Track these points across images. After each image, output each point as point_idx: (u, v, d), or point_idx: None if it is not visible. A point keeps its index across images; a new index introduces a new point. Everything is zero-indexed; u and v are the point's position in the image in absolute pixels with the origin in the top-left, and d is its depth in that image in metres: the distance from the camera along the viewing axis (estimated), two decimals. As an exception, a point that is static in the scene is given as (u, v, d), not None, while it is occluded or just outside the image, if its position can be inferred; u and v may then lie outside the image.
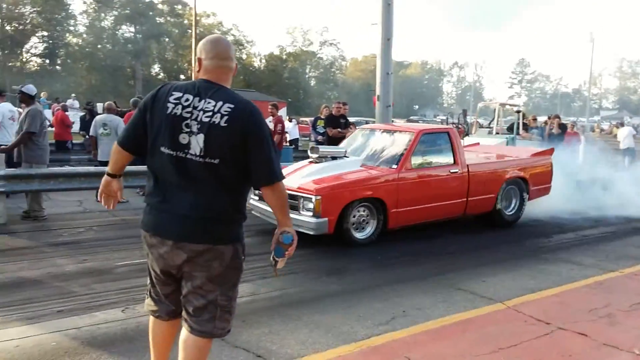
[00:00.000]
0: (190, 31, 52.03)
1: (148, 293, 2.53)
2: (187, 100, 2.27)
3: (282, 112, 29.60)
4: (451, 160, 6.62)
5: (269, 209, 5.38)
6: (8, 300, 4.01)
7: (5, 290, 4.22)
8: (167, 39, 54.17)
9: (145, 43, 50.38)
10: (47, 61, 51.19)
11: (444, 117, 20.03)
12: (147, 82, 51.44)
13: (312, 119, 12.41)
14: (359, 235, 5.93)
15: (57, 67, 51.17)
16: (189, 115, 2.25)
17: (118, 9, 50.77)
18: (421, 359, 3.18)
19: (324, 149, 7.00)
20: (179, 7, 53.97)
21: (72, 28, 51.46)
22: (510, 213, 7.30)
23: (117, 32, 52.55)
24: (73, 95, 25.37)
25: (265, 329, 3.55)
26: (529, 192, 7.38)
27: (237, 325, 3.46)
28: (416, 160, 6.39)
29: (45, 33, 49.47)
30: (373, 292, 4.39)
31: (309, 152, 6.87)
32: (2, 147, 7.13)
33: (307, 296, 4.29)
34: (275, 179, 2.30)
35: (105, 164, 7.83)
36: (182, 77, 54.49)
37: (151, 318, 2.54)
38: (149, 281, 2.52)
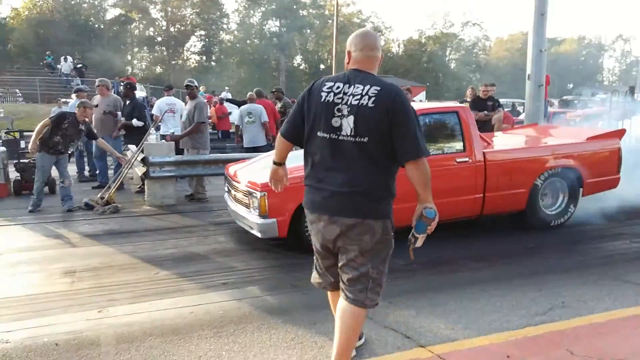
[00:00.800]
0: (330, 21, 53.51)
1: (314, 267, 2.84)
2: (338, 87, 2.53)
3: (421, 96, 28.92)
4: (460, 147, 5.24)
5: (238, 210, 5.17)
6: (182, 271, 4.51)
7: (180, 263, 4.75)
8: (308, 31, 55.88)
9: (289, 36, 52.47)
10: (204, 58, 55.76)
11: (605, 95, 17.94)
12: (290, 73, 53.67)
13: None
14: None
15: (212, 63, 55.47)
16: (340, 100, 2.50)
17: (265, 5, 53.46)
18: (585, 354, 2.96)
19: None
20: (320, -2, 55.33)
21: (225, 26, 55.36)
22: (554, 212, 5.84)
23: (264, 27, 55.41)
24: (226, 87, 27.35)
25: (412, 311, 3.56)
26: (583, 185, 5.91)
27: (384, 306, 3.53)
28: None
29: (202, 32, 53.87)
30: (526, 281, 4.17)
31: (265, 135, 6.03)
32: (173, 135, 7.96)
33: (454, 282, 4.20)
34: (420, 155, 2.43)
35: (249, 150, 8.42)
36: (322, 66, 55.94)
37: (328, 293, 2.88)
38: (314, 258, 2.80)
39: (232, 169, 5.77)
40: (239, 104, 11.98)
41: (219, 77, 49.43)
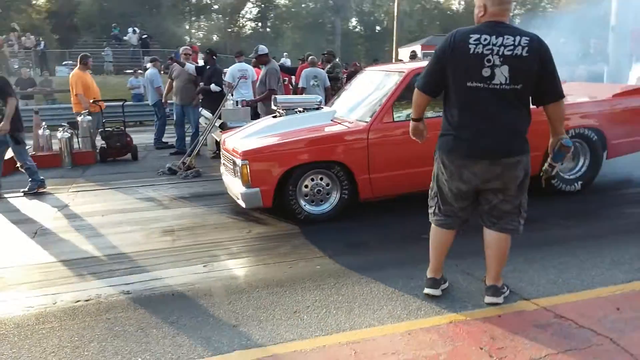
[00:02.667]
0: (386, -21, 52.00)
1: (435, 210, 3.14)
2: (485, 40, 2.72)
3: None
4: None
5: (226, 180, 5.16)
6: (271, 231, 4.70)
7: (269, 223, 4.94)
8: (364, -10, 54.56)
9: (345, -3, 51.49)
10: (259, 24, 55.77)
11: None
12: (345, 36, 52.82)
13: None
14: (312, 209, 4.76)
15: (267, 29, 55.42)
16: (489, 52, 2.71)
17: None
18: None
19: (286, 99, 5.77)
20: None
21: (280, -10, 54.87)
22: (573, 176, 5.32)
23: (319, -12, 54.55)
24: (285, 53, 27.37)
25: (509, 266, 3.54)
26: (607, 147, 5.36)
27: (479, 261, 3.56)
28: (402, 111, 4.79)
29: (259, -3, 53.72)
30: (623, 238, 4.07)
31: (272, 104, 5.61)
32: (249, 100, 8.14)
33: (547, 239, 4.16)
34: (562, 96, 2.84)
35: None
36: (377, 28, 54.75)
37: (436, 229, 3.14)
38: (434, 202, 3.14)
39: (223, 136, 5.66)
40: (291, 71, 12.01)
41: (274, 43, 49.39)
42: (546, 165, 2.97)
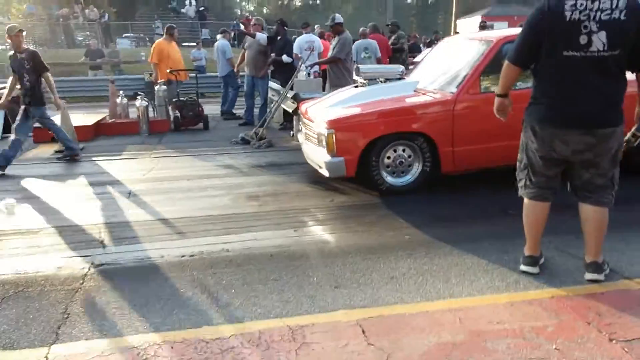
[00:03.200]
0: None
1: (526, 182, 3.14)
2: (581, 4, 2.67)
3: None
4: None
5: (308, 149, 5.14)
6: (353, 200, 4.81)
7: (349, 193, 5.06)
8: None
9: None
10: (310, -6, 55.33)
11: None
12: (397, 8, 51.69)
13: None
14: (393, 180, 4.78)
15: (317, 1, 54.89)
16: (585, 17, 2.66)
17: None
18: None
19: (369, 69, 5.67)
20: None
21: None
22: None
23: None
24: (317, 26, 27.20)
25: (606, 245, 3.50)
26: None
27: (573, 239, 3.57)
28: (490, 80, 4.67)
29: (309, -31, 53.18)
30: None
31: (353, 73, 5.50)
32: (316, 72, 8.22)
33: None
34: None
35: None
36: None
37: (530, 204, 3.14)
38: (525, 174, 3.11)
39: (304, 106, 5.70)
40: None
41: (324, 15, 48.96)
42: (629, 134, 2.94)
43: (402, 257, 3.52)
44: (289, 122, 8.73)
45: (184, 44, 25.00)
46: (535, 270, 3.18)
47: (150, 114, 8.90)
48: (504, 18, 18.12)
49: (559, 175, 3.08)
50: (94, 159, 6.80)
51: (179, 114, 8.92)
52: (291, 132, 8.07)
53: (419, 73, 5.64)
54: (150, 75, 15.21)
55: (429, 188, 4.90)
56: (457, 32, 16.44)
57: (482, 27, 11.29)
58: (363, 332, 2.64)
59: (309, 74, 8.28)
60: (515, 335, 2.57)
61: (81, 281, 3.29)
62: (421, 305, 2.89)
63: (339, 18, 7.86)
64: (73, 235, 4.10)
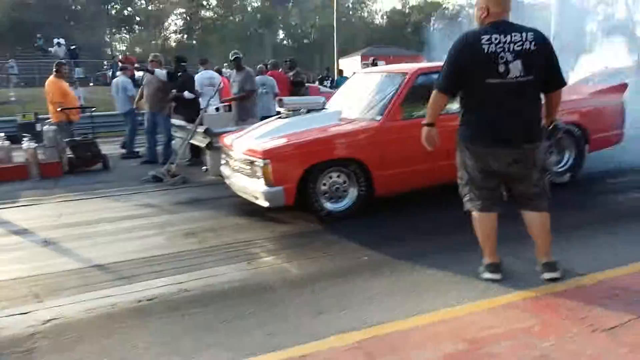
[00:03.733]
0: (311, -6, 53.02)
1: (472, 197, 3.34)
2: (495, 38, 3.00)
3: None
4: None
5: (239, 182, 5.17)
6: (297, 229, 4.76)
7: (289, 223, 4.99)
8: (290, 4, 55.13)
9: (273, 11, 51.86)
10: (185, 36, 54.79)
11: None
12: (276, 48, 53.06)
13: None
14: (332, 206, 4.87)
15: (194, 41, 54.53)
16: (501, 49, 2.99)
17: (246, -21, 52.54)
18: None
19: (293, 100, 5.87)
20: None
21: (204, 2, 54.18)
22: (560, 169, 5.65)
23: (244, 2, 54.52)
24: (225, 64, 27.20)
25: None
26: (589, 141, 5.69)
27: (519, 245, 3.85)
28: (410, 109, 5.01)
29: (182, 10, 52.78)
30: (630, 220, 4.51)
31: (276, 105, 5.70)
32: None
33: (564, 224, 4.49)
34: (564, 83, 3.20)
35: (263, 119, 8.52)
36: (305, 40, 55.54)
37: (480, 215, 3.33)
38: (467, 189, 3.33)
39: (227, 139, 5.66)
40: None
41: (201, 55, 48.73)
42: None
43: (369, 278, 3.54)
44: (197, 157, 8.47)
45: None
46: (498, 276, 3.37)
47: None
48: (381, 57, 19.50)
49: (500, 186, 3.33)
50: (-9, 208, 6.01)
51: (73, 155, 8.22)
52: (203, 167, 7.83)
53: (337, 103, 5.80)
54: (24, 116, 14.08)
55: (364, 212, 4.99)
56: (341, 70, 17.19)
57: (374, 63, 12.00)
58: (367, 353, 2.60)
59: (217, 109, 8.13)
60: (509, 337, 2.69)
61: (33, 341, 2.88)
62: (411, 321, 2.92)
63: (239, 53, 7.93)
64: (1, 293, 3.57)
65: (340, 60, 24.16)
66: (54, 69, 8.79)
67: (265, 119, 8.41)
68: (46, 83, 8.76)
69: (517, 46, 2.99)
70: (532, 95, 3.12)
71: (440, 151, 3.56)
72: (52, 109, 8.56)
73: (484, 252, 3.42)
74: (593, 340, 2.62)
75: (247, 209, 5.35)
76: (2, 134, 8.49)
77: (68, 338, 2.90)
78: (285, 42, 57.73)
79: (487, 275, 3.38)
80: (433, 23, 56.77)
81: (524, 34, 3.00)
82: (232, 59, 8.03)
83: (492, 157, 3.17)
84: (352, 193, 4.94)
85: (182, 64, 8.77)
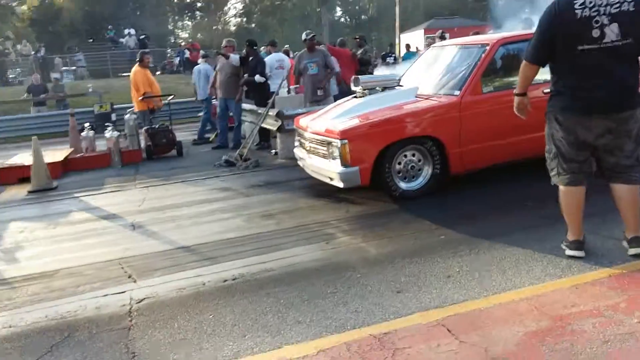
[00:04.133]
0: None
1: (559, 170, 3.26)
2: (590, 2, 2.90)
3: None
4: (548, 77, 4.07)
5: (315, 162, 5.20)
6: (367, 210, 4.82)
7: (358, 202, 5.06)
8: (347, -19, 54.32)
9: (329, -13, 51.35)
10: (244, 20, 55.39)
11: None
12: (333, 26, 52.60)
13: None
14: (406, 185, 4.85)
15: (253, 24, 55.03)
16: (596, 13, 2.89)
17: (302, -42, 52.09)
18: None
19: (368, 78, 5.74)
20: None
21: (262, -16, 54.34)
22: None
23: (301, -19, 54.23)
24: (286, 45, 27.46)
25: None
26: None
27: (604, 221, 3.73)
28: (490, 82, 4.92)
29: (241, -7, 53.29)
30: None
31: (351, 84, 5.59)
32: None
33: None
34: None
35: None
36: (363, 17, 54.69)
37: (567, 190, 3.24)
38: (556, 163, 3.24)
39: (302, 121, 5.69)
40: None
41: (261, 37, 49.16)
42: None
43: (447, 256, 3.56)
44: (265, 141, 8.68)
45: (124, 74, 24.53)
46: (582, 254, 3.30)
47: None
48: (446, 30, 18.91)
49: (590, 159, 3.22)
50: (76, 195, 6.46)
51: (150, 143, 8.64)
52: (272, 151, 8.03)
53: (412, 80, 5.73)
54: (101, 107, 14.87)
55: (437, 191, 4.97)
56: (408, 45, 16.88)
57: (442, 37, 11.72)
58: (449, 330, 2.64)
59: (289, 91, 8.26)
60: (594, 315, 2.65)
61: (129, 318, 3.11)
62: (492, 298, 2.92)
63: (313, 32, 7.99)
64: (95, 274, 3.87)
65: (401, 35, 23.68)
66: (137, 59, 9.19)
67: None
68: (132, 73, 9.16)
69: (614, 8, 2.87)
70: (628, 60, 2.99)
71: (518, 126, 3.53)
72: (137, 97, 8.97)
73: (570, 228, 3.35)
74: (684, 317, 2.53)
75: (320, 190, 5.47)
76: (88, 124, 9.02)
77: (163, 315, 3.11)
78: (342, 19, 57.13)
79: (571, 252, 3.32)
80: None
81: None
82: (308, 37, 8.07)
83: (583, 128, 3.08)
84: (427, 172, 4.94)
85: (254, 47, 8.92)
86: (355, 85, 5.48)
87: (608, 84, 2.98)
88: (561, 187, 3.31)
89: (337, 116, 5.18)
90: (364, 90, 5.44)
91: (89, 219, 5.38)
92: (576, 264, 3.23)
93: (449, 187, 5.06)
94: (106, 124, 8.94)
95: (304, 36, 8.09)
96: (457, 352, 2.45)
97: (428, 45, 11.63)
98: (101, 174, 7.72)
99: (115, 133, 8.29)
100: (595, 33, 2.90)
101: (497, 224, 4.09)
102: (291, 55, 12.32)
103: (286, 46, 12.92)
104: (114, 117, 14.53)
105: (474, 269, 3.32)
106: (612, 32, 2.88)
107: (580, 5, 2.91)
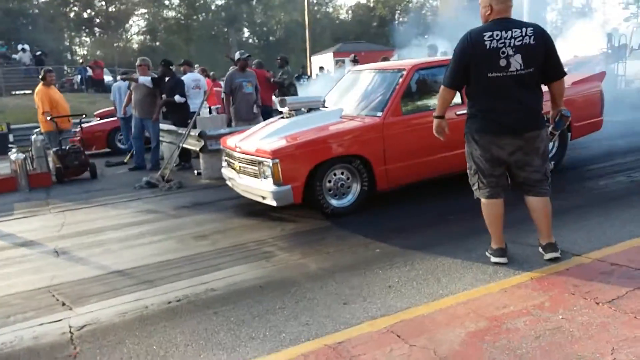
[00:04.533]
0: (274, -9, 52.99)
1: (480, 185, 3.60)
2: (497, 35, 3.27)
3: (394, 58, 29.38)
4: (459, 100, 4.97)
5: (245, 182, 5.30)
6: (302, 227, 4.94)
7: (290, 221, 5.17)
8: (254, 2, 54.74)
9: (237, 9, 51.49)
10: (148, 38, 53.92)
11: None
12: (241, 47, 52.67)
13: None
14: (337, 202, 5.07)
15: (157, 43, 53.70)
16: (502, 45, 3.26)
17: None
18: None
19: (295, 100, 5.94)
20: (264, -34, 54.26)
21: (166, 2, 53.32)
22: None
23: (208, 0, 53.90)
24: (196, 65, 27.05)
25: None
26: (571, 129, 5.97)
27: (518, 231, 4.12)
28: (409, 104, 5.30)
29: (144, 10, 51.92)
30: (614, 203, 4.85)
31: (277, 105, 5.79)
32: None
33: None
34: (564, 74, 3.45)
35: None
36: (271, 38, 55.34)
37: (488, 202, 3.57)
38: (476, 178, 3.57)
39: (230, 141, 5.74)
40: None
41: (167, 56, 48.02)
42: (549, 130, 3.57)
43: (385, 268, 3.76)
44: (186, 161, 8.57)
45: (17, 92, 22.91)
46: (505, 260, 3.64)
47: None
48: (353, 53, 19.79)
49: (505, 174, 3.60)
50: (-10, 220, 6.00)
51: (61, 165, 8.19)
52: (195, 171, 7.93)
53: (335, 101, 5.98)
54: (4, 125, 13.83)
55: (365, 207, 5.21)
56: (322, 67, 17.37)
57: (354, 60, 12.21)
58: (398, 336, 2.81)
59: (210, 111, 8.23)
60: (524, 314, 2.94)
61: (72, 346, 2.99)
62: (432, 304, 3.15)
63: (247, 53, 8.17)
64: (25, 303, 3.65)
65: (313, 58, 24.30)
66: (40, 77, 8.69)
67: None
68: (35, 92, 8.65)
69: (518, 41, 3.24)
70: (532, 87, 3.36)
71: (440, 144, 3.95)
72: (42, 118, 8.47)
73: (492, 237, 3.68)
74: (599, 310, 2.89)
75: (251, 209, 5.52)
76: (-13, 147, 8.40)
77: (109, 341, 3.02)
78: (250, 40, 57.42)
79: (495, 259, 3.65)
80: (398, 17, 57.61)
81: (523, 29, 3.26)
82: (242, 57, 8.13)
83: (497, 146, 3.42)
84: (356, 189, 5.16)
85: (170, 67, 8.79)
86: (281, 106, 5.63)
87: (516, 107, 3.33)
88: (483, 200, 3.65)
89: (267, 136, 5.29)
90: (291, 111, 5.60)
91: (4, 247, 5.04)
92: (501, 269, 3.55)
93: (376, 204, 5.31)
94: (9, 145, 8.33)
95: (238, 55, 8.19)
96: (409, 355, 2.63)
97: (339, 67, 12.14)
98: (7, 198, 7.22)
99: (21, 155, 7.78)
100: (502, 62, 3.26)
101: (425, 237, 4.37)
102: (211, 76, 12.29)
103: (201, 67, 12.81)
104: (11, 138, 13.60)
105: (411, 278, 3.55)
106: (517, 62, 3.25)
107: (489, 38, 3.28)
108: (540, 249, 3.66)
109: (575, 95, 6.12)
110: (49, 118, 8.22)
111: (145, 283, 3.85)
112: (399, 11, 55.95)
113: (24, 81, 23.06)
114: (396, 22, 56.48)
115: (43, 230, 5.53)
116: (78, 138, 9.44)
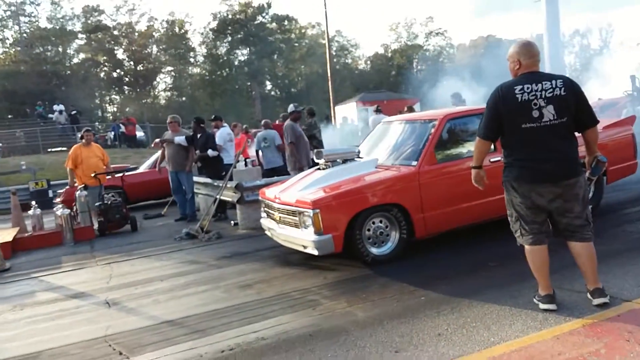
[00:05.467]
0: (297, 45, 54.77)
1: (522, 232, 3.66)
2: (528, 88, 3.43)
3: (417, 107, 29.91)
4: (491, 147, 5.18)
5: (286, 232, 5.43)
6: (346, 275, 5.03)
7: (336, 269, 5.26)
8: (275, 56, 56.51)
9: (259, 63, 53.15)
10: (175, 94, 55.76)
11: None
12: (264, 99, 54.09)
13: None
14: (377, 250, 5.18)
15: (183, 98, 55.47)
16: (533, 97, 3.41)
17: (232, 34, 53.86)
18: None
19: (330, 152, 6.06)
20: (285, 22, 56.28)
21: (192, 59, 55.40)
22: None
23: (232, 56, 55.83)
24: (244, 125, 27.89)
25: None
26: (606, 173, 6.04)
27: (563, 277, 4.14)
28: (441, 152, 5.48)
29: (170, 68, 53.92)
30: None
31: (314, 157, 6.06)
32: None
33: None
34: (597, 121, 3.57)
35: (269, 171, 9.06)
36: (293, 90, 56.67)
37: (532, 249, 3.62)
38: (518, 225, 3.64)
39: (269, 192, 5.93)
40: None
41: (192, 111, 49.55)
42: (587, 175, 3.63)
43: (432, 315, 3.80)
44: (222, 212, 8.77)
45: (53, 149, 23.78)
46: (554, 307, 3.64)
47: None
48: (376, 102, 20.20)
49: (547, 220, 3.66)
50: (34, 275, 6.22)
51: (103, 218, 8.47)
52: (232, 222, 8.12)
53: (368, 152, 6.16)
54: (37, 184, 14.37)
55: (406, 255, 5.28)
56: (344, 117, 17.77)
57: (378, 110, 12.49)
58: (455, 384, 2.84)
59: (245, 164, 8.51)
60: (580, 361, 2.95)
61: (136, 395, 3.08)
62: (485, 352, 3.17)
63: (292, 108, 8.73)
64: (83, 353, 3.80)
65: (337, 108, 24.84)
66: (80, 137, 9.13)
67: (272, 170, 9.02)
68: (76, 151, 9.04)
69: (549, 93, 3.39)
70: (566, 135, 3.46)
71: (475, 191, 4.03)
72: (78, 173, 8.84)
73: (540, 283, 3.70)
74: (655, 356, 2.89)
75: (291, 258, 5.64)
76: (34, 203, 8.75)
77: (170, 390, 3.12)
78: (273, 92, 58.97)
79: (545, 306, 3.66)
80: (416, 65, 58.71)
81: (553, 82, 3.41)
82: (296, 110, 8.87)
83: (536, 194, 3.51)
84: (394, 236, 5.26)
85: (202, 125, 9.15)
86: (318, 158, 5.83)
87: (552, 156, 3.44)
88: (526, 247, 3.70)
89: (305, 187, 5.46)
90: (327, 162, 5.80)
91: (57, 299, 5.22)
92: (551, 316, 3.57)
93: (415, 252, 5.38)
94: (53, 202, 8.68)
95: (292, 108, 8.72)
96: (468, 402, 2.66)
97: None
98: (54, 252, 7.48)
99: (66, 210, 8.10)
100: (535, 114, 3.40)
101: (469, 284, 4.40)
102: (251, 131, 12.83)
103: (245, 125, 13.44)
104: (50, 193, 14.10)
105: (460, 325, 3.58)
106: (549, 112, 3.39)
107: (520, 91, 3.42)
108: (589, 295, 3.67)
109: (607, 140, 6.19)
110: (93, 175, 8.56)
111: (196, 332, 3.96)
112: (416, 60, 57.18)
113: (60, 139, 24.06)
114: (415, 69, 57.66)
115: (92, 282, 5.72)
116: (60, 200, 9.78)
